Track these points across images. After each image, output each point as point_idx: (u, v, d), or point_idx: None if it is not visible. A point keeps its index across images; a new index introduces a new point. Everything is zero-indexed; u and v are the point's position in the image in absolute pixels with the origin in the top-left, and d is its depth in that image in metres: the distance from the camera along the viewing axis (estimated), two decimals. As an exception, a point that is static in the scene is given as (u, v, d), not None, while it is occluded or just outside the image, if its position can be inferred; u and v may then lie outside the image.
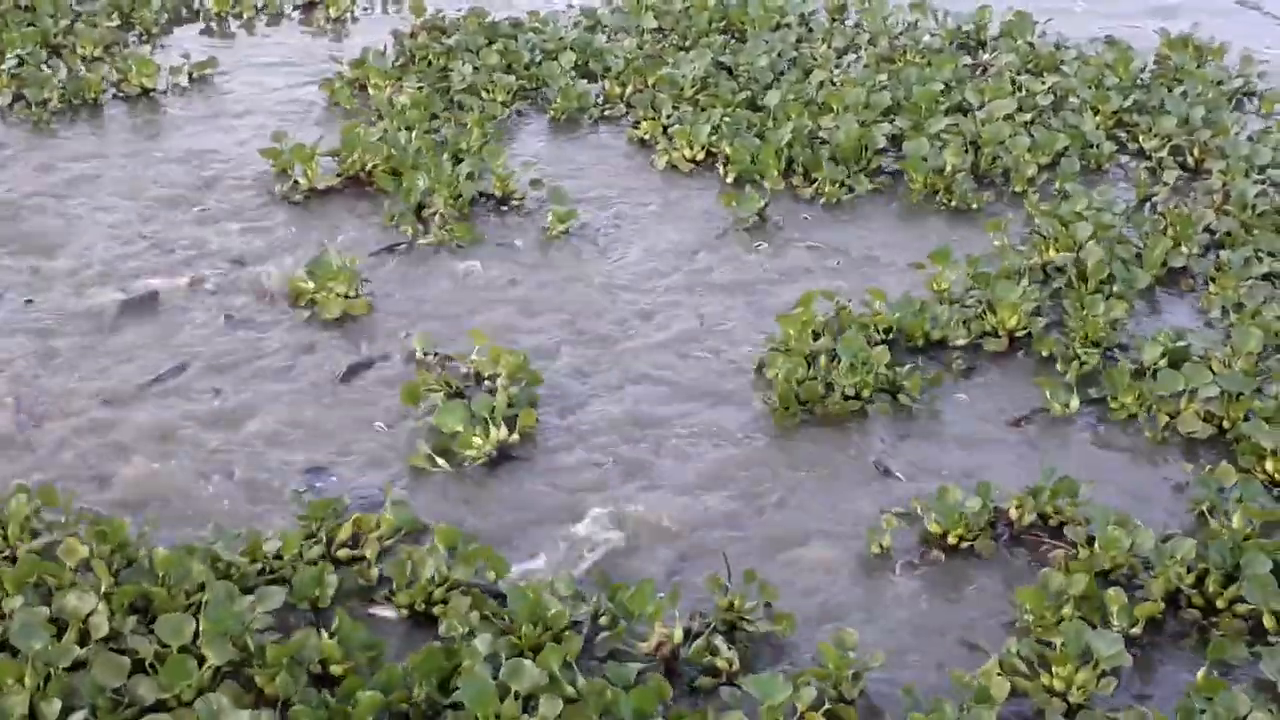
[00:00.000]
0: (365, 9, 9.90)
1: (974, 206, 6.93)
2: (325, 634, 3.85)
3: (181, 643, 3.74)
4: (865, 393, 5.24)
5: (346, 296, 5.79)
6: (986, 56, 8.96)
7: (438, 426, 4.94)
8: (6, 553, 4.20)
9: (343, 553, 4.34)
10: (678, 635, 3.98)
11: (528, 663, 3.71)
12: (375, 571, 4.29)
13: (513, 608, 4.00)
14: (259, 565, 4.19)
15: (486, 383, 5.23)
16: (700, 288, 6.16)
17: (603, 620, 4.07)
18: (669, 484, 4.85)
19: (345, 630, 3.86)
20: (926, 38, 9.26)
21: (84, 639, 3.81)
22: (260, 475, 4.80)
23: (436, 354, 5.42)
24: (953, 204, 6.94)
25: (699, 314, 5.94)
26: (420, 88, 7.90)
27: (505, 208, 6.78)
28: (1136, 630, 4.13)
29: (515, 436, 4.93)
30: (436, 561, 4.21)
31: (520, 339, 5.59)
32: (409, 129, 7.24)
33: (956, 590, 4.40)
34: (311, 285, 5.82)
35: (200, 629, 3.76)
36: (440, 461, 4.84)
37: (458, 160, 6.92)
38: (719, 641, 4.00)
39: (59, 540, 4.18)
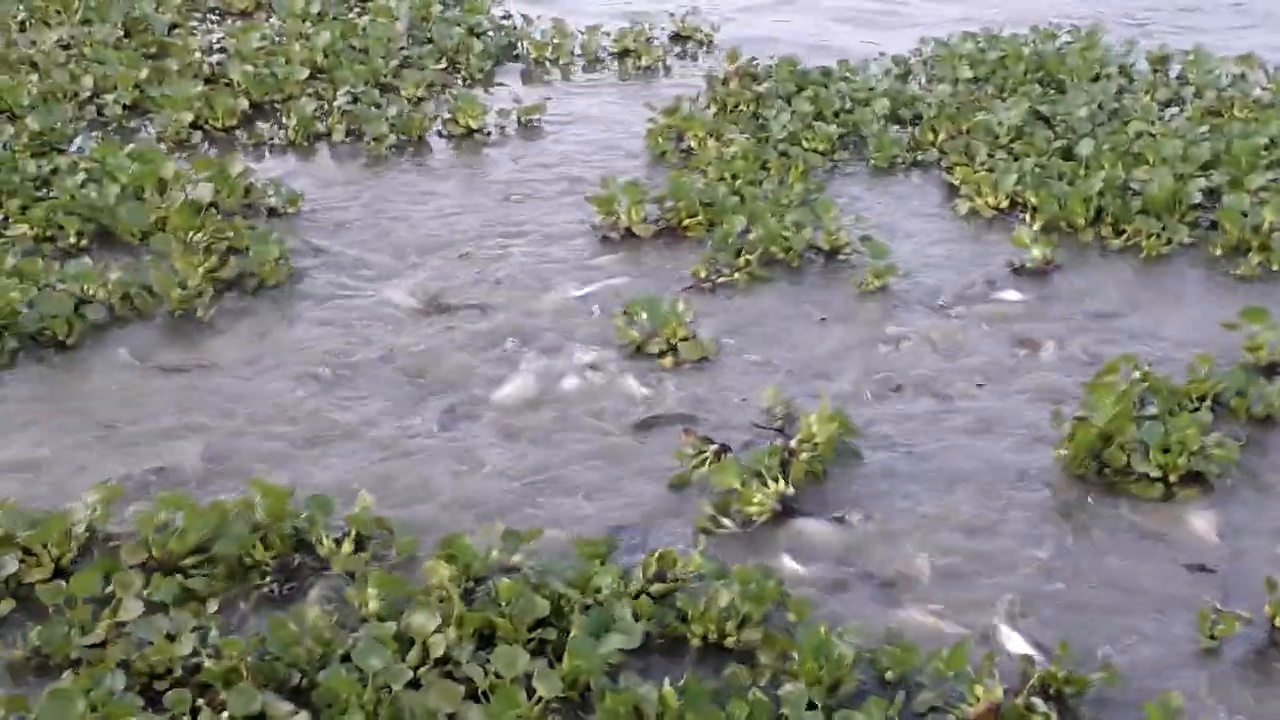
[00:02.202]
0: (678, 55, 10.47)
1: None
2: (668, 685, 3.95)
3: (514, 675, 3.98)
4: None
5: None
6: (1320, 112, 8.91)
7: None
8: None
9: (655, 588, 4.49)
10: (998, 694, 4.05)
11: (859, 715, 3.88)
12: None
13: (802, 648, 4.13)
14: (587, 599, 4.36)
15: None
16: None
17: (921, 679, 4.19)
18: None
19: (691, 687, 3.93)
20: (1257, 91, 9.27)
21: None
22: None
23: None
24: (1271, 264, 6.94)
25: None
26: (745, 136, 8.28)
27: (832, 260, 7.00)
28: None
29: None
30: (731, 594, 4.35)
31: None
32: (735, 177, 7.63)
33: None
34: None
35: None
36: (725, 522, 4.97)
37: (782, 210, 7.20)
38: (1037, 700, 4.05)
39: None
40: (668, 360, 5.99)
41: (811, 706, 3.92)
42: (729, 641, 4.29)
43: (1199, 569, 4.76)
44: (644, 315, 6.14)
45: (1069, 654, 4.17)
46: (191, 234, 6.78)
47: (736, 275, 6.75)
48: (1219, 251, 7.07)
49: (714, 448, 5.23)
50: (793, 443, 5.18)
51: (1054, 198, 7.34)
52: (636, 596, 4.40)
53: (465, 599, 4.36)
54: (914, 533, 4.94)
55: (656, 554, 4.59)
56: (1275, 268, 6.92)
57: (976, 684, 4.06)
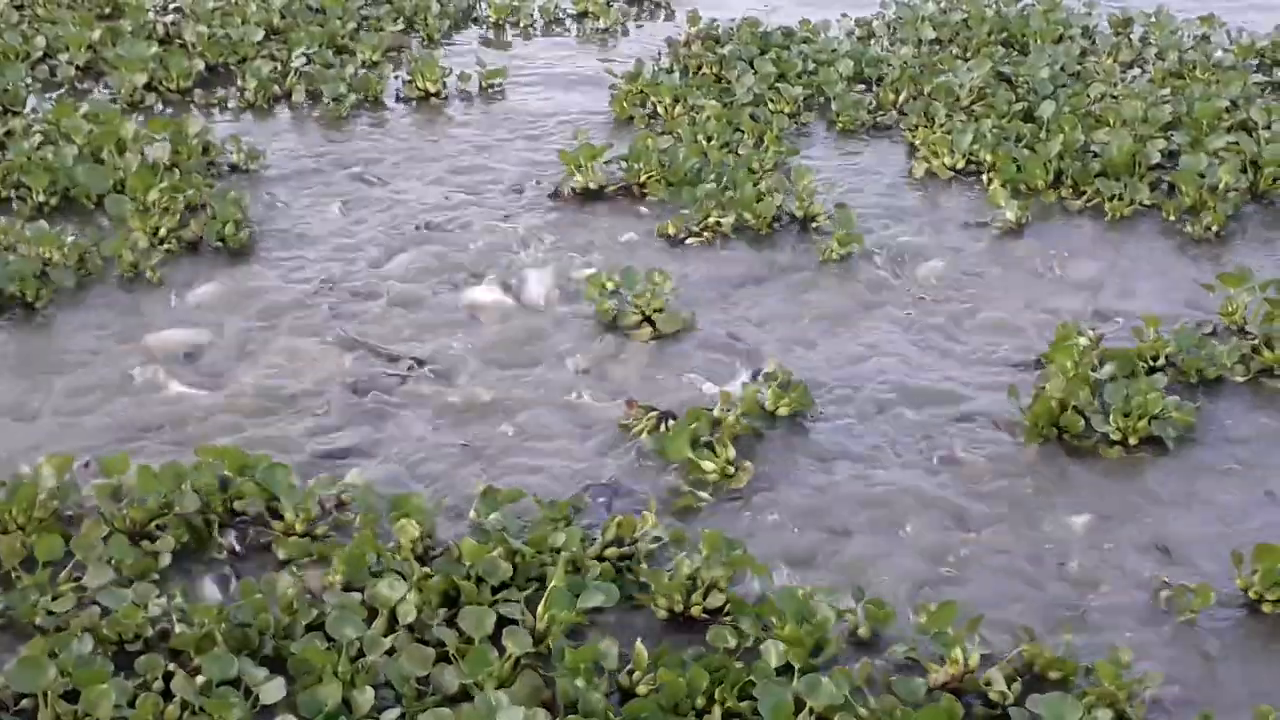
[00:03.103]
0: (635, 18, 10.55)
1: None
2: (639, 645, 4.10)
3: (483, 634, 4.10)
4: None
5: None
6: (1282, 74, 9.10)
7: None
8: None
9: (610, 551, 4.59)
10: (974, 661, 4.13)
11: (825, 680, 3.94)
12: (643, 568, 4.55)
13: (784, 611, 4.23)
14: (545, 557, 4.46)
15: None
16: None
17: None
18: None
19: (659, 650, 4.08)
20: (1219, 53, 9.42)
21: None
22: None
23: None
24: (1218, 229, 7.06)
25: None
26: (711, 100, 8.33)
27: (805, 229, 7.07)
28: None
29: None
30: (696, 563, 4.44)
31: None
32: (709, 140, 7.70)
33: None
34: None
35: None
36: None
37: (754, 175, 7.30)
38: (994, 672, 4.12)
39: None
40: (645, 332, 6.07)
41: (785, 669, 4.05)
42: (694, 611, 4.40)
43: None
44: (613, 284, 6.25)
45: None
46: (149, 194, 6.82)
47: (706, 234, 6.88)
48: (1171, 216, 7.20)
49: (654, 414, 5.36)
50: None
51: (1012, 159, 7.47)
52: (599, 559, 4.52)
53: (426, 560, 4.49)
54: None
55: (616, 519, 4.70)
56: (1217, 229, 7.04)
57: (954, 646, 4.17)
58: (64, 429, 5.30)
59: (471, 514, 4.73)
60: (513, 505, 4.74)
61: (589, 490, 4.99)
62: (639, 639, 4.12)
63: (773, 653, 4.08)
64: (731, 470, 5.06)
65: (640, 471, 5.14)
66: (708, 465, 5.05)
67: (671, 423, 5.28)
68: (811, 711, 3.90)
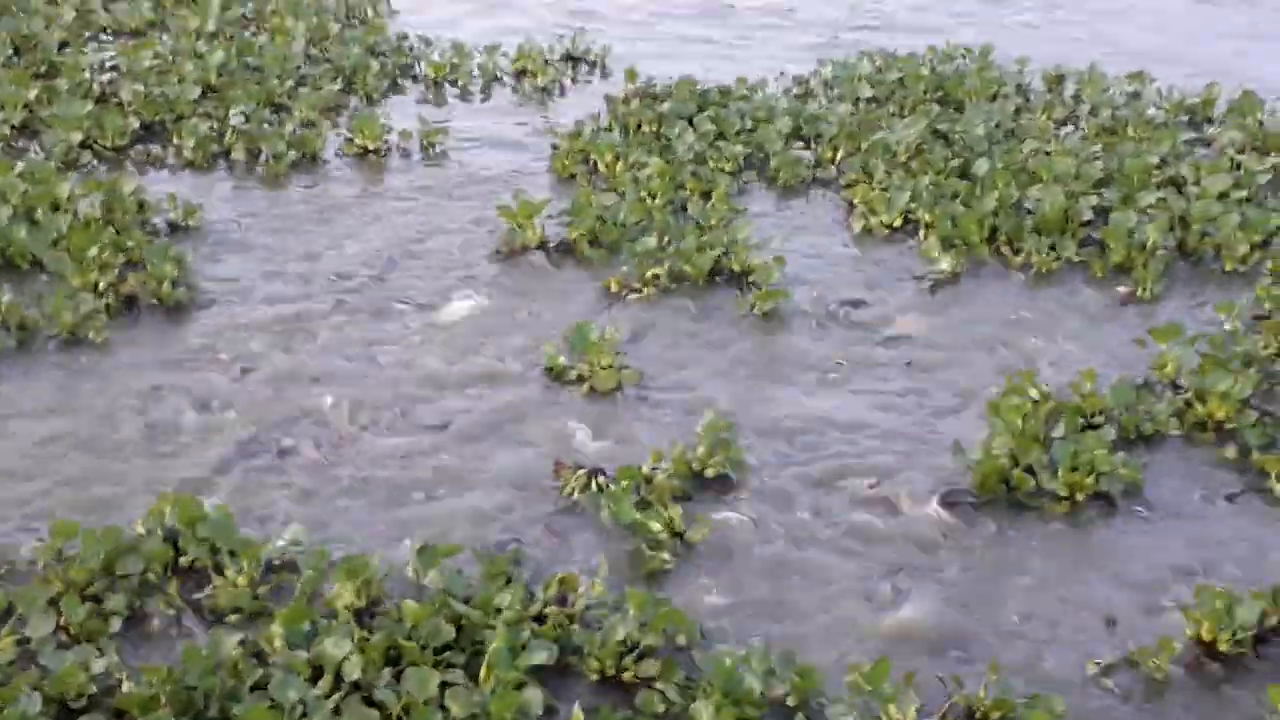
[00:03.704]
0: (574, 79, 10.67)
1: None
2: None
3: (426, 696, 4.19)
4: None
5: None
6: (1212, 131, 9.32)
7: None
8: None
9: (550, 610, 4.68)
10: (911, 716, 4.27)
11: None
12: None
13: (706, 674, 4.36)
14: (490, 621, 4.54)
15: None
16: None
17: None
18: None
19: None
20: (1151, 110, 9.66)
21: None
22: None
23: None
24: (1148, 287, 7.22)
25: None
26: (653, 157, 8.46)
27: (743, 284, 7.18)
28: None
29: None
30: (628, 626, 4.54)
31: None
32: (653, 197, 7.84)
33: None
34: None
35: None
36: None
37: (700, 231, 7.49)
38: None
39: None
40: (584, 389, 6.18)
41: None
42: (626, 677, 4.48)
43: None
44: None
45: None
46: (88, 251, 6.86)
47: (645, 291, 7.00)
48: (1099, 274, 7.38)
49: (583, 472, 5.46)
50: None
51: (948, 216, 7.64)
52: (539, 619, 4.61)
53: (366, 618, 4.55)
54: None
55: (558, 577, 4.78)
56: (1145, 294, 7.21)
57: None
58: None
59: (409, 571, 4.79)
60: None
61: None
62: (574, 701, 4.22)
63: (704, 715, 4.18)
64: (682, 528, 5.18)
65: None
66: (655, 525, 5.15)
67: (601, 479, 5.38)
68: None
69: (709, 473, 5.51)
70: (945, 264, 7.27)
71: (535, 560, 5.03)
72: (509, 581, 4.73)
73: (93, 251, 6.87)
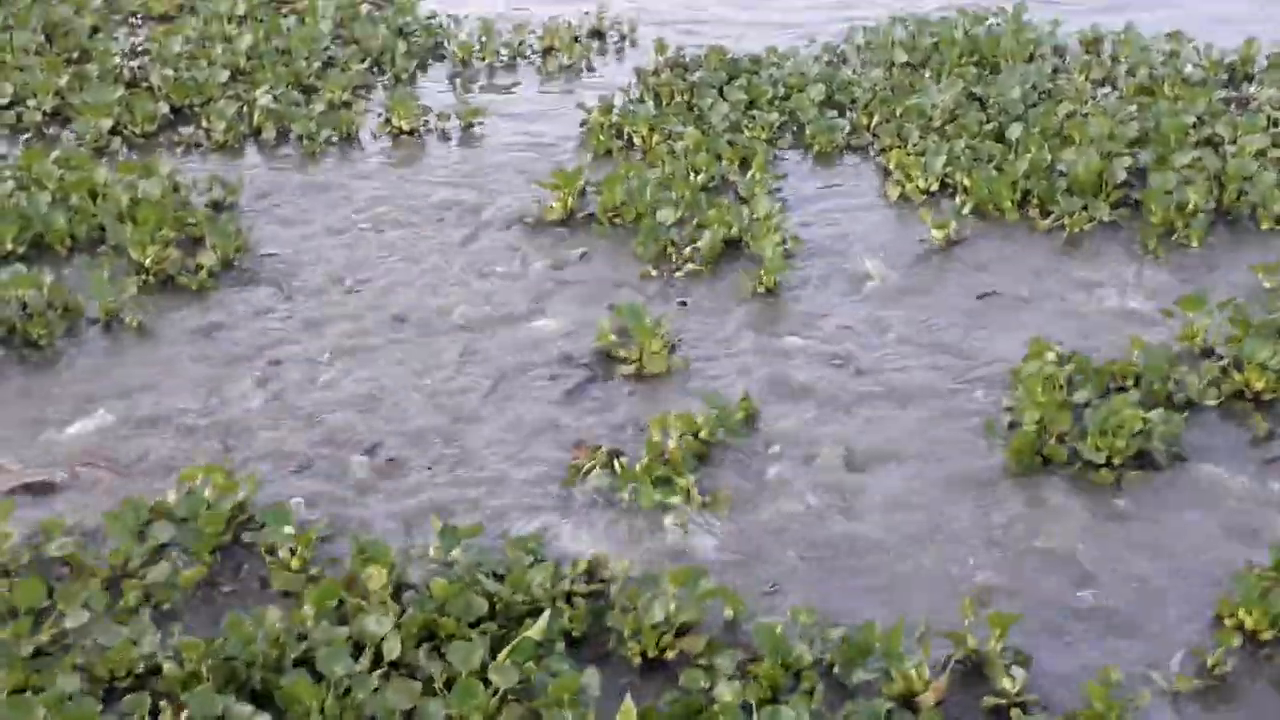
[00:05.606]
0: (599, 51, 10.83)
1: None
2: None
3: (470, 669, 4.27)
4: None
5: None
6: (1252, 89, 9.38)
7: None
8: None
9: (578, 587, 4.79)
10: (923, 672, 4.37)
11: (785, 709, 4.15)
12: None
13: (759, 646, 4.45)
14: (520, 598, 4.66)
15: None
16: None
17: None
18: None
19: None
20: (1189, 69, 9.72)
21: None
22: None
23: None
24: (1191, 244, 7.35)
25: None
26: (689, 128, 8.60)
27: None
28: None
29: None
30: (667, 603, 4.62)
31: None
32: (696, 171, 7.96)
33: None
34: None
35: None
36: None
37: (742, 203, 7.66)
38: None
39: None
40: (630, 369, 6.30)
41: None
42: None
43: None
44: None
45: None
46: (156, 228, 7.16)
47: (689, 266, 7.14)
48: (1139, 233, 7.46)
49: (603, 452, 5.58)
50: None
51: (983, 181, 7.74)
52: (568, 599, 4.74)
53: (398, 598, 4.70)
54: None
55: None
56: (1195, 245, 7.33)
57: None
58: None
59: (431, 551, 4.92)
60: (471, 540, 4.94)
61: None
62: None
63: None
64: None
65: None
66: (674, 500, 5.32)
67: (622, 459, 5.51)
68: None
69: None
70: (947, 230, 7.41)
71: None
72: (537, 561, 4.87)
73: (157, 230, 7.16)
